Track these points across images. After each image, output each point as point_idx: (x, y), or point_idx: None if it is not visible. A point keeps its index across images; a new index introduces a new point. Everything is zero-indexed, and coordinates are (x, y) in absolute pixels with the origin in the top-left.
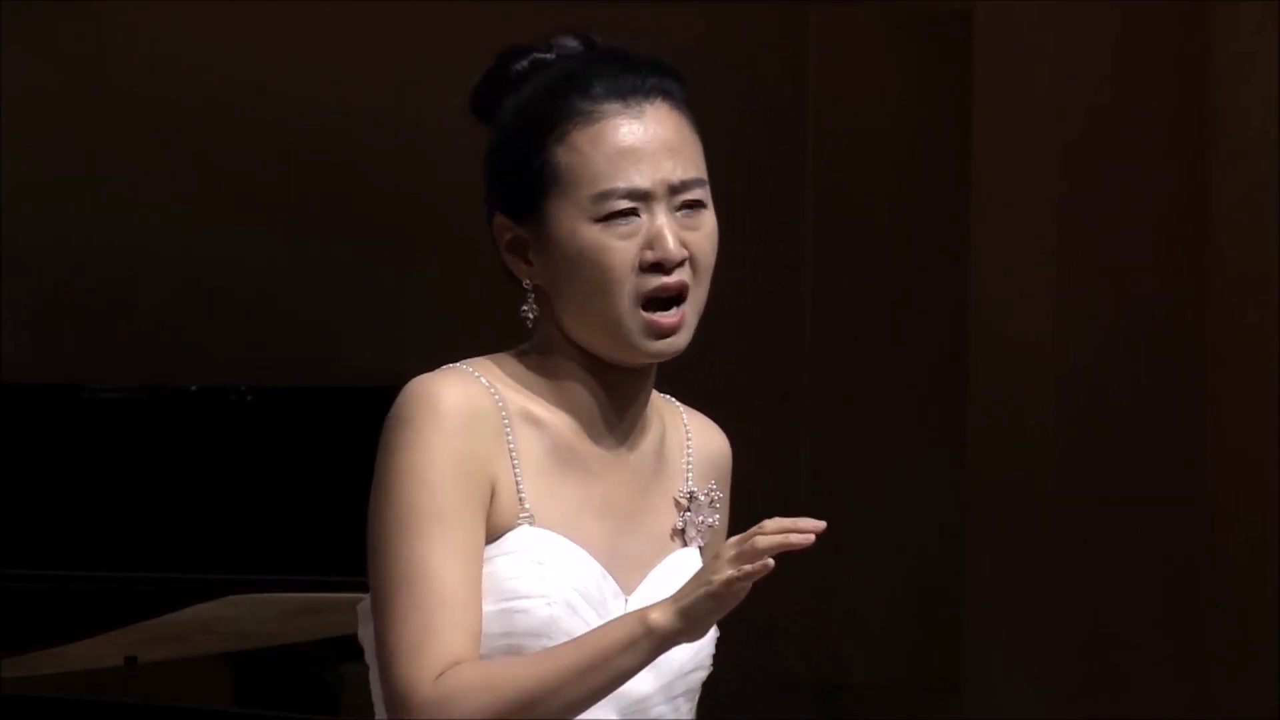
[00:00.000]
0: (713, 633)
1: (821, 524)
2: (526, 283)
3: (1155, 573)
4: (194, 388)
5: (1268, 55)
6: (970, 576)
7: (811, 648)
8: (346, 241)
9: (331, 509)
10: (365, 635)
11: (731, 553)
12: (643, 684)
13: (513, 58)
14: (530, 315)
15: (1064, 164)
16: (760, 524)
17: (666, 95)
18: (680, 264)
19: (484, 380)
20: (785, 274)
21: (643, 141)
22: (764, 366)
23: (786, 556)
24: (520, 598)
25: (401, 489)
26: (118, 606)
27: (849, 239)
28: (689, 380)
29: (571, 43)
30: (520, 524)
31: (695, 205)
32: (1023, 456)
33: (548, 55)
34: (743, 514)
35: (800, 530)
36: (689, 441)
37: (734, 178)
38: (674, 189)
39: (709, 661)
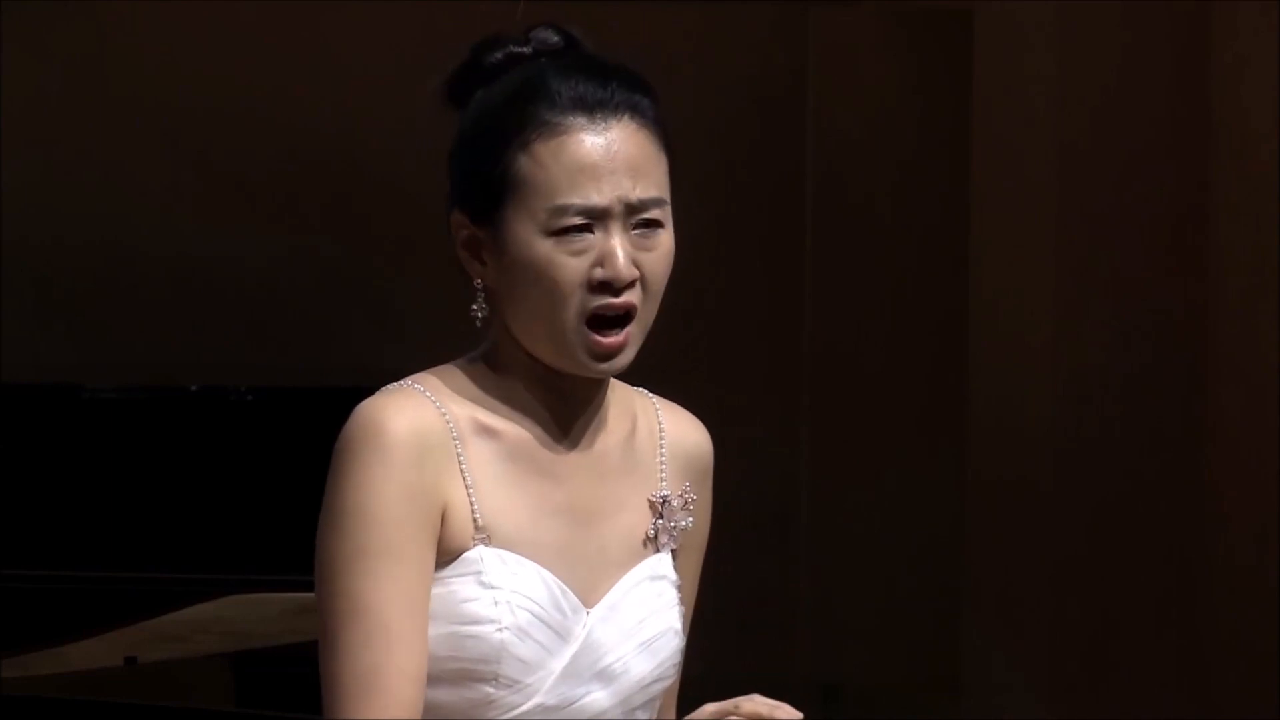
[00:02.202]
0: (676, 641)
1: (799, 716)
2: (478, 281)
3: (1155, 573)
4: (194, 388)
5: (1268, 55)
6: (970, 576)
7: (811, 648)
8: (346, 241)
9: None
10: None
11: (708, 717)
12: (599, 700)
13: (488, 48)
14: (480, 314)
15: (1064, 164)
16: (751, 696)
17: (635, 111)
18: (630, 285)
19: (432, 397)
20: (785, 274)
21: (605, 158)
22: (764, 366)
23: (788, 557)
24: (471, 623)
25: (349, 524)
26: (117, 607)
27: (849, 239)
28: (689, 380)
29: (553, 38)
30: (475, 544)
31: (652, 225)
32: (1023, 456)
33: (524, 49)
34: (745, 511)
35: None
36: (662, 440)
37: (734, 178)
38: (632, 208)
39: (673, 670)
